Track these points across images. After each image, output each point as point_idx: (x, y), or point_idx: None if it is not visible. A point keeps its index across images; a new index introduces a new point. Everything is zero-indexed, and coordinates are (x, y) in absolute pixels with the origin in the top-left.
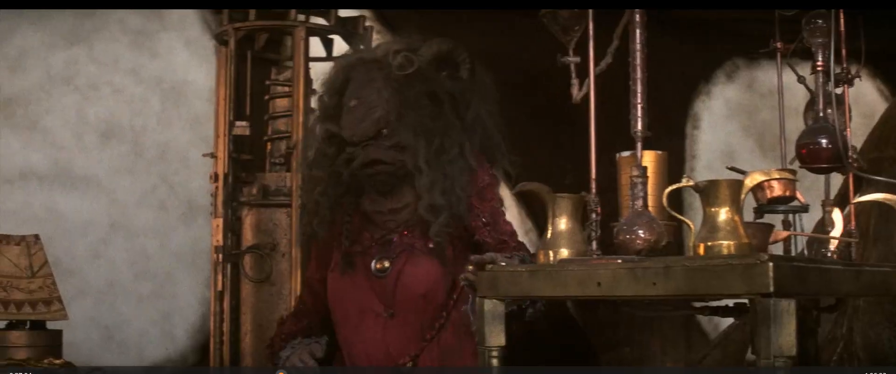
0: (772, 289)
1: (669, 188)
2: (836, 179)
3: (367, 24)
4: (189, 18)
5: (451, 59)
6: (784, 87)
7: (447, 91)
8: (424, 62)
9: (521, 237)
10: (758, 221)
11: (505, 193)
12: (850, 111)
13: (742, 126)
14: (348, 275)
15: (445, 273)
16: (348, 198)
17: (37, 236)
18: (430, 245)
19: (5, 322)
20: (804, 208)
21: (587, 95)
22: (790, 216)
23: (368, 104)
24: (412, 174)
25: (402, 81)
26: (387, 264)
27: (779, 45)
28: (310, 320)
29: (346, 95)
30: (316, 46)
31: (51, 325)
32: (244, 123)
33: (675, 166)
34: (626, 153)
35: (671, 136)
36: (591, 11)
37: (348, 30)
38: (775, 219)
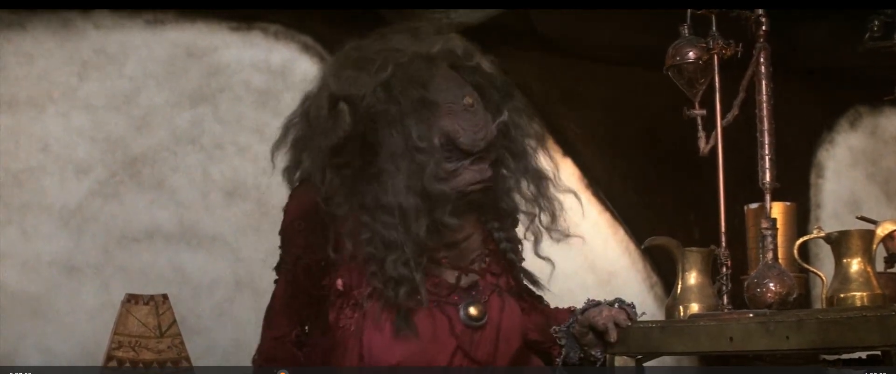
0: None
1: (800, 240)
2: None
3: None
4: (310, 79)
5: (468, 58)
6: None
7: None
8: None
9: (647, 291)
10: (888, 270)
11: None
12: None
13: (866, 174)
14: (408, 337)
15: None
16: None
17: (165, 296)
18: (512, 283)
19: None
20: None
21: (714, 148)
22: None
23: (481, 105)
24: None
25: (477, 83)
26: (479, 311)
27: None
28: None
29: (438, 91)
30: None
31: None
32: None
33: (800, 216)
34: (754, 205)
35: (795, 185)
36: (716, 64)
37: None
38: None
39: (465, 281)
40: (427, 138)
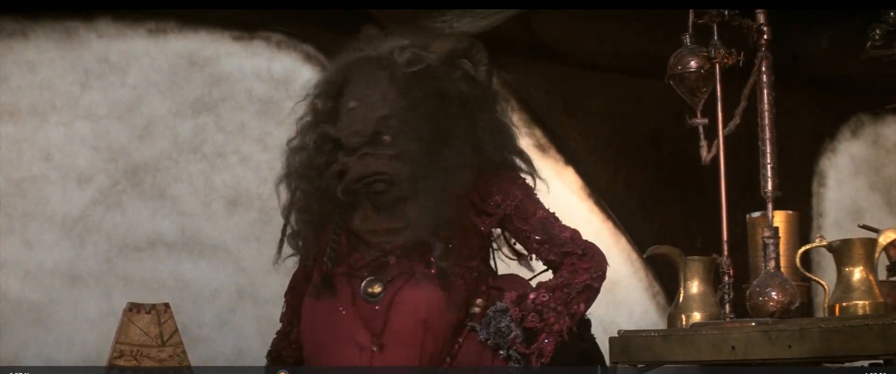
0: None
1: (803, 248)
2: None
3: None
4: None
5: (469, 59)
6: None
7: (460, 92)
8: (435, 60)
9: (649, 300)
10: (891, 279)
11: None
12: None
13: (868, 182)
14: (327, 300)
15: (451, 302)
16: (336, 215)
17: (167, 305)
18: (433, 270)
19: None
20: None
21: (716, 157)
22: None
23: (370, 105)
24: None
25: (409, 80)
26: (379, 288)
27: None
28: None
29: (345, 97)
30: None
31: None
32: None
33: (801, 225)
34: (756, 214)
35: (797, 194)
36: (718, 73)
37: None
38: None
39: (379, 262)
40: (306, 141)
